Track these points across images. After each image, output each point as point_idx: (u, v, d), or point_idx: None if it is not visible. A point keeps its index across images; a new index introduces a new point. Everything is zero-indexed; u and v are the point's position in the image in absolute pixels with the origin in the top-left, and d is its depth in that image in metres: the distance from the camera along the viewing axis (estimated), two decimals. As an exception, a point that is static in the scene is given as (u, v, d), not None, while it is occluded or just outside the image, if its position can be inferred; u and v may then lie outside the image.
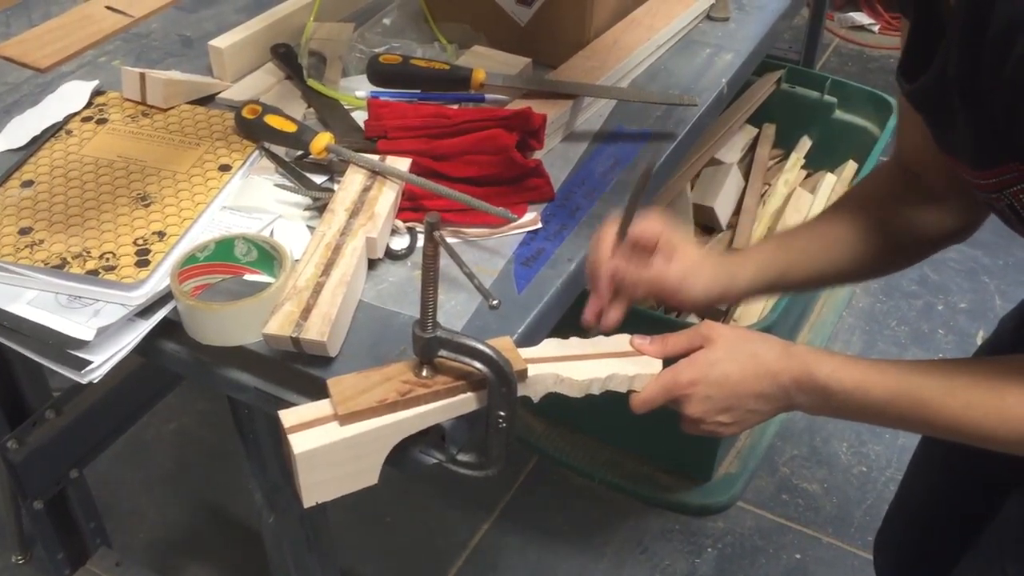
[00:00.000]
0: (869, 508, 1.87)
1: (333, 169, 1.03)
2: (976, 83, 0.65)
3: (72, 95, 1.11)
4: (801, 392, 0.79)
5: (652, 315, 1.77)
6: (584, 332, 0.86)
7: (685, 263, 0.87)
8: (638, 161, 1.07)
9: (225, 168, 1.02)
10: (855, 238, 0.93)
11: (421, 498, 1.90)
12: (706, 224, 2.05)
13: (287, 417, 0.73)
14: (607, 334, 0.87)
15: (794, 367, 0.79)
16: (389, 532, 1.85)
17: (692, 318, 1.87)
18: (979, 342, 2.19)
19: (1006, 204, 0.74)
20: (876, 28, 3.35)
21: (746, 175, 2.17)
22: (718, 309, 1.87)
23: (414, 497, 1.90)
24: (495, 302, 0.73)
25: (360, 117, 1.09)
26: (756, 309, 1.90)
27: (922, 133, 0.84)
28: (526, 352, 0.80)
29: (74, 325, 0.84)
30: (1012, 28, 0.59)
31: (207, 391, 1.95)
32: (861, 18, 3.38)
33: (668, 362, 0.83)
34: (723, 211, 2.04)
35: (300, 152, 1.04)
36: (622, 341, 0.85)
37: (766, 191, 2.15)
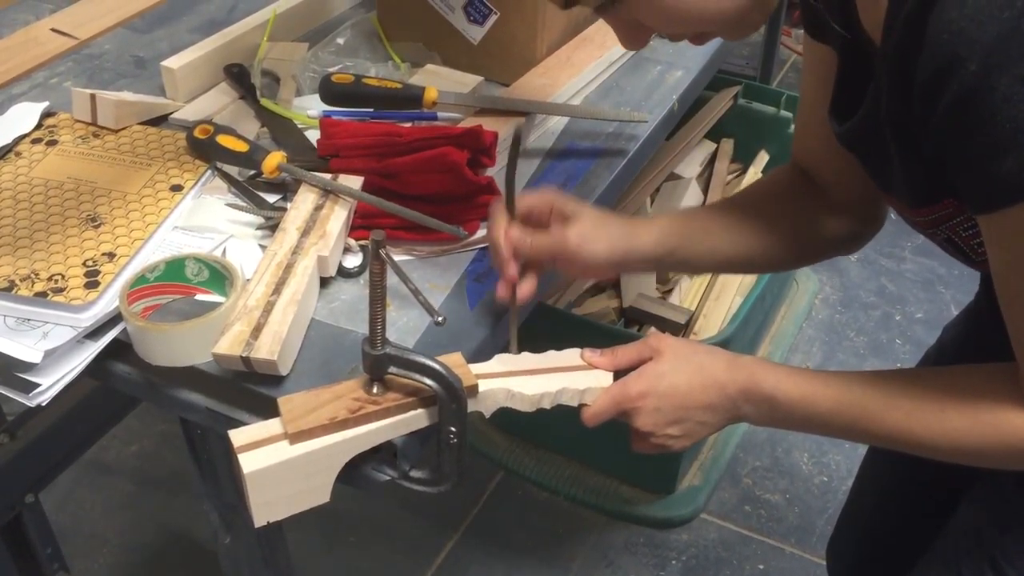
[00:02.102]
0: (831, 518, 1.89)
1: (286, 188, 1.03)
2: (908, 127, 0.66)
3: (21, 117, 1.11)
4: (748, 402, 0.80)
5: (603, 327, 1.78)
6: (535, 347, 0.86)
7: (585, 225, 0.86)
8: (589, 177, 1.09)
9: (177, 188, 1.02)
10: (751, 231, 0.93)
11: (386, 517, 1.89)
12: (666, 238, 2.07)
13: (237, 437, 0.73)
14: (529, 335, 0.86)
15: (741, 378, 0.80)
16: (354, 551, 1.84)
17: (651, 331, 1.88)
18: (936, 351, 2.24)
19: (943, 238, 0.75)
20: (832, 43, 3.40)
21: (705, 189, 2.19)
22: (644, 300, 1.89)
23: (379, 516, 1.89)
24: (440, 319, 0.73)
25: (313, 136, 1.10)
26: (715, 321, 1.92)
27: (817, 137, 0.86)
28: (477, 368, 0.81)
29: (22, 348, 0.83)
30: (938, 77, 0.60)
31: (168, 413, 1.94)
32: (818, 34, 3.43)
33: (619, 376, 0.84)
34: (682, 225, 2.05)
35: (252, 171, 1.04)
36: (573, 355, 0.86)
37: (725, 205, 2.18)
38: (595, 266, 0.87)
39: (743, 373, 0.80)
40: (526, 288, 0.88)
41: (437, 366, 0.73)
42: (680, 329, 1.88)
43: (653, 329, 1.88)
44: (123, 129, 1.11)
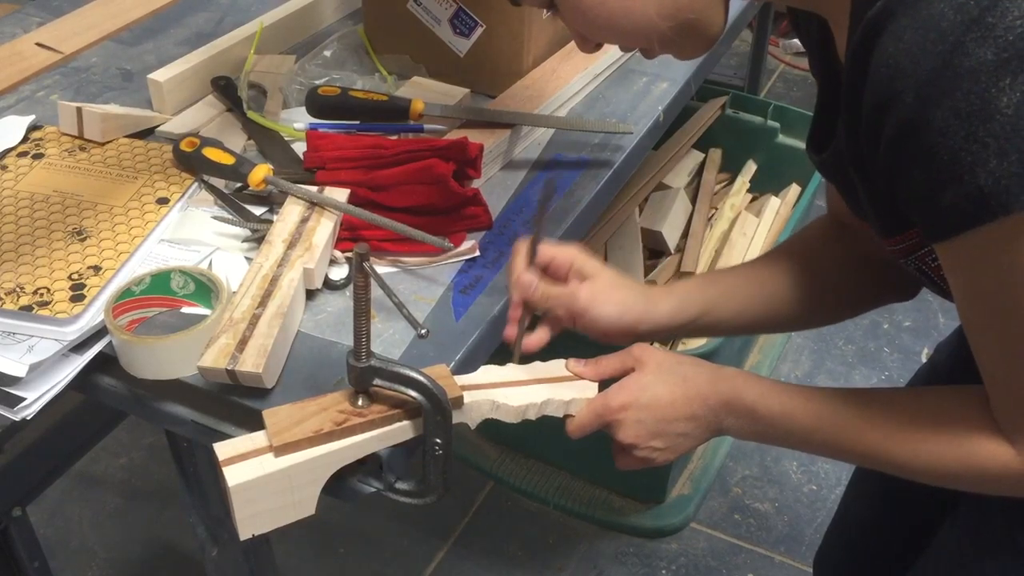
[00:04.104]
0: (820, 526, 1.89)
1: (272, 201, 1.03)
2: (862, 159, 0.67)
3: (8, 130, 1.11)
4: (730, 415, 0.80)
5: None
6: (523, 359, 0.86)
7: (598, 285, 0.86)
8: (575, 189, 1.09)
9: (163, 201, 1.02)
10: (786, 284, 0.92)
11: (375, 527, 1.89)
12: (654, 248, 2.08)
13: (222, 450, 0.73)
14: (532, 355, 0.87)
15: (724, 389, 0.80)
16: (342, 563, 1.83)
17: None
18: (924, 360, 2.24)
19: (914, 268, 0.76)
20: (820, 53, 3.42)
21: (693, 199, 2.20)
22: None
23: (368, 527, 1.89)
24: (423, 331, 0.74)
25: (300, 149, 1.10)
26: (704, 331, 1.93)
27: None
28: (462, 379, 0.81)
29: (7, 362, 0.83)
30: (879, 111, 0.61)
31: (154, 426, 1.93)
32: (805, 44, 3.45)
33: (605, 387, 0.84)
34: (671, 235, 2.07)
35: (239, 184, 1.04)
36: (558, 366, 0.86)
37: (713, 215, 2.19)
38: (604, 328, 0.86)
39: (726, 385, 0.80)
40: (535, 338, 0.87)
41: (422, 378, 0.73)
42: (667, 342, 1.88)
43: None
44: (109, 142, 1.11)
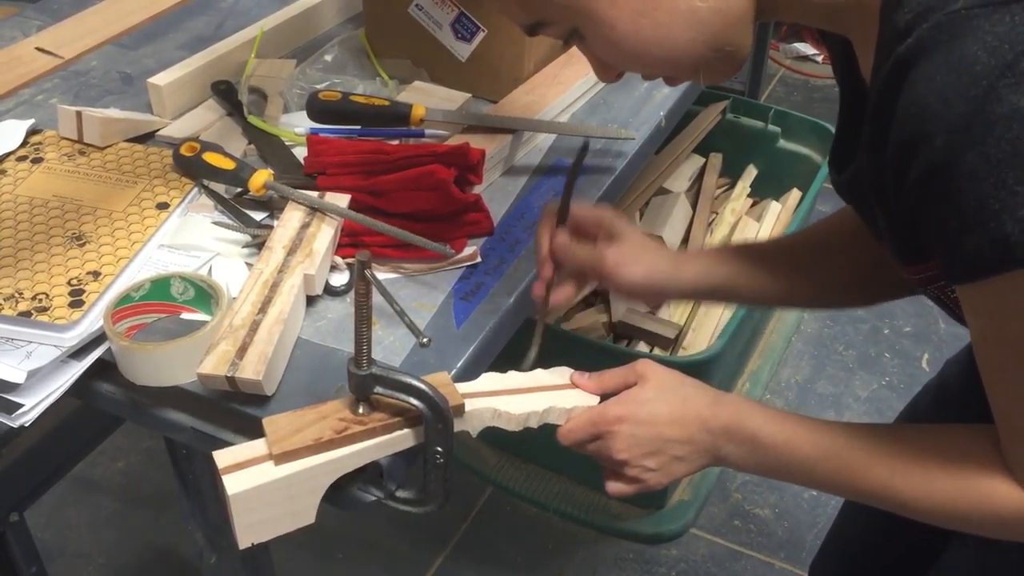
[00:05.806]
0: (820, 532, 1.89)
1: (273, 206, 1.03)
2: (885, 190, 0.66)
3: (7, 134, 1.10)
4: (730, 441, 0.78)
5: (592, 342, 1.78)
6: (518, 365, 0.86)
7: (626, 247, 0.87)
8: (577, 194, 1.08)
9: (163, 206, 1.01)
10: (815, 267, 0.91)
11: (374, 533, 1.88)
12: (655, 253, 2.07)
13: (221, 458, 0.72)
14: (547, 357, 0.87)
15: (725, 414, 0.78)
16: (341, 569, 1.83)
17: (641, 346, 1.88)
18: (924, 365, 2.24)
19: (933, 296, 0.75)
20: (820, 58, 3.42)
21: (694, 204, 2.19)
22: (661, 313, 1.88)
23: (367, 532, 1.88)
24: (425, 340, 0.73)
25: (301, 153, 1.09)
26: (705, 335, 1.92)
27: None
28: (463, 387, 0.80)
29: (5, 368, 0.83)
30: (906, 150, 0.60)
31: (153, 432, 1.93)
32: (805, 48, 3.45)
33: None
34: (671, 240, 2.06)
35: (239, 189, 1.04)
36: (560, 374, 0.86)
37: (713, 219, 2.18)
38: (630, 289, 0.87)
39: (728, 410, 0.78)
40: (562, 293, 0.88)
41: (423, 386, 0.73)
42: (670, 344, 1.88)
43: (643, 344, 1.88)
44: (109, 146, 1.11)
